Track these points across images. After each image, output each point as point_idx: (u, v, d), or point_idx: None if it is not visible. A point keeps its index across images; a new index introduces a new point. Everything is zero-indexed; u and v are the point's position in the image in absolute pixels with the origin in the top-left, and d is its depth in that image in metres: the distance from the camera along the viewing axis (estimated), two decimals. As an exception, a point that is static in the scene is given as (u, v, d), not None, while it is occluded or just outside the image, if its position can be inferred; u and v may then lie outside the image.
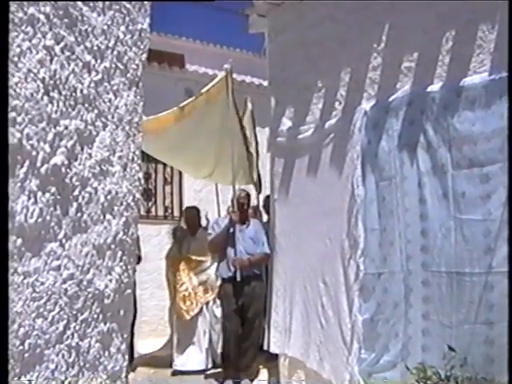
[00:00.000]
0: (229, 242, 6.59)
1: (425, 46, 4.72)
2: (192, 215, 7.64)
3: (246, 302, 6.56)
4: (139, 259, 6.59)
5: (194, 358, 7.23)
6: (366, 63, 5.12)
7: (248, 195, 6.90)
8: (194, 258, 7.20)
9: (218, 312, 7.21)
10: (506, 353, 4.05)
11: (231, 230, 6.62)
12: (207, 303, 7.28)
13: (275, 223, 6.16)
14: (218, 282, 7.23)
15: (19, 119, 1.93)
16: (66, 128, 2.21)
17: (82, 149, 2.33)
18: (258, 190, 7.49)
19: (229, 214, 6.95)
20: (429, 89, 4.68)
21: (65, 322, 2.17)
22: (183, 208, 9.07)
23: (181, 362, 7.26)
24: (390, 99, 4.95)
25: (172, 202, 10.92)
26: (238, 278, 6.40)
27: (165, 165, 9.82)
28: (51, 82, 2.14)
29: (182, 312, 7.08)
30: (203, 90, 6.65)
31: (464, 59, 4.46)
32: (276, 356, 6.15)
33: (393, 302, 4.84)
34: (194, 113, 6.54)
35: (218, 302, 7.14)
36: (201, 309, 7.19)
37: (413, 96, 4.81)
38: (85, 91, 2.35)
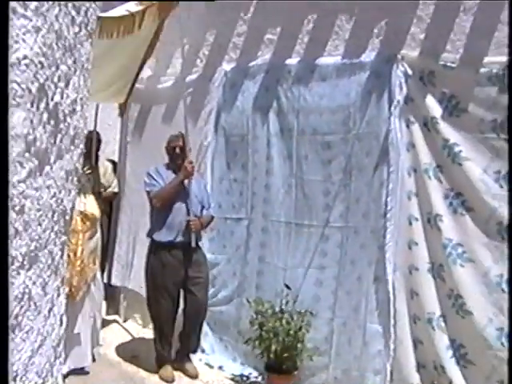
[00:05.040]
0: (177, 198, 5.12)
1: (288, 23, 5.30)
2: None
3: (192, 274, 5.14)
4: None
5: (78, 351, 5.06)
6: (231, 29, 5.59)
7: (182, 136, 5.29)
8: (91, 213, 5.05)
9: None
10: (331, 293, 4.90)
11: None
12: (93, 278, 5.19)
13: (126, 164, 6.49)
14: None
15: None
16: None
17: None
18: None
19: (174, 161, 5.26)
20: (287, 61, 5.29)
21: None
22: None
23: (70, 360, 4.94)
24: (250, 64, 5.51)
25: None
26: (193, 244, 5.06)
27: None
28: None
29: (73, 291, 4.83)
30: None
31: (321, 42, 5.11)
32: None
33: (235, 245, 5.48)
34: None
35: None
36: (89, 286, 5.11)
37: (271, 65, 5.40)
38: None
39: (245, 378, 5.25)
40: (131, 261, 6.34)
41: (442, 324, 4.39)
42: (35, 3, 1.68)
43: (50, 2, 1.79)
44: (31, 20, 1.67)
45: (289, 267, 5.20)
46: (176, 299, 5.20)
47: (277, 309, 4.94)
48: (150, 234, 5.23)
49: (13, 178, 1.60)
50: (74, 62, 2.78)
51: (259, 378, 5.22)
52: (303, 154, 5.16)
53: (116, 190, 6.62)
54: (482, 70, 4.24)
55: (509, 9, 4.12)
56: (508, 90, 4.11)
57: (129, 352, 5.75)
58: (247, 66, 5.52)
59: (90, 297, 5.11)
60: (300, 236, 5.14)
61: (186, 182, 5.12)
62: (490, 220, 4.21)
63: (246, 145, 5.49)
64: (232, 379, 5.25)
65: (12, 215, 1.61)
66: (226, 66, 5.64)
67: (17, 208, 1.64)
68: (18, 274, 1.70)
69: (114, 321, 6.62)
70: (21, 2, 1.60)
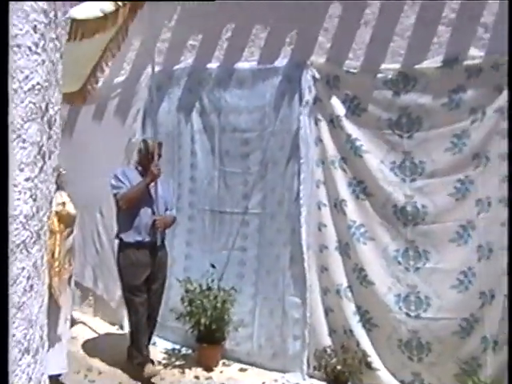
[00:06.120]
0: (143, 200, 5.23)
1: (209, 31, 5.85)
2: None
3: (156, 270, 5.32)
4: None
5: (57, 357, 4.58)
6: (156, 35, 6.05)
7: (160, 144, 5.48)
8: (67, 213, 4.80)
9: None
10: (253, 271, 5.50)
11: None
12: (69, 279, 4.93)
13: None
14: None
15: None
16: None
17: None
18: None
19: (145, 165, 5.30)
20: (208, 66, 5.85)
21: None
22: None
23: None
24: (174, 68, 6.04)
25: None
26: (159, 243, 5.26)
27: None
28: None
29: (56, 294, 4.56)
30: None
31: (239, 48, 5.69)
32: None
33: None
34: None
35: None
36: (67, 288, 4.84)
37: (193, 69, 5.95)
38: None
39: (176, 351, 5.81)
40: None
41: (349, 294, 5.10)
42: (42, 42, 2.21)
43: (48, 40, 2.33)
44: (40, 55, 2.20)
45: (214, 250, 5.78)
46: (146, 296, 5.31)
47: (204, 287, 5.52)
48: (118, 235, 5.36)
49: (32, 174, 2.12)
50: (56, 80, 3.31)
51: (189, 351, 5.78)
52: (224, 149, 5.75)
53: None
54: (379, 75, 4.98)
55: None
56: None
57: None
58: (172, 70, 6.03)
59: (67, 299, 4.87)
60: (223, 222, 5.73)
61: (151, 184, 5.25)
62: (387, 204, 4.96)
63: (172, 141, 6.01)
64: (166, 353, 5.79)
65: (30, 202, 2.14)
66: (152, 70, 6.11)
67: (33, 197, 2.17)
68: (33, 246, 2.22)
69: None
70: (35, 43, 2.12)
